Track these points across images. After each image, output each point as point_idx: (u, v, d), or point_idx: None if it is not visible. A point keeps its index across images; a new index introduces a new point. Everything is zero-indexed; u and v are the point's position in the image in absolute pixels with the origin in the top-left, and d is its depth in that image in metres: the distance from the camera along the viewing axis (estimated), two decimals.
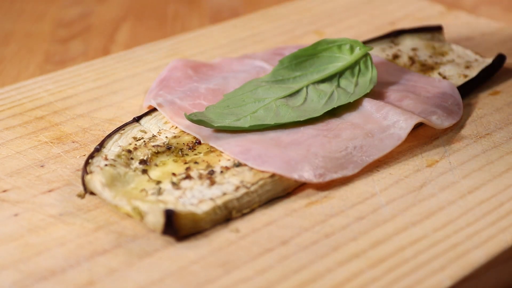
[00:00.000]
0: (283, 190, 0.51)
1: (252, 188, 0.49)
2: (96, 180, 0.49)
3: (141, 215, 0.47)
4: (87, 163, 0.51)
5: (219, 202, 0.48)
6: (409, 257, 0.45)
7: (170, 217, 0.46)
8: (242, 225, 0.48)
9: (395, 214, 0.49)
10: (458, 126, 0.59)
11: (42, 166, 0.54)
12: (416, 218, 0.48)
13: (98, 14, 0.95)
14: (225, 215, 0.48)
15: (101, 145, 0.53)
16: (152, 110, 0.59)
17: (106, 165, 0.51)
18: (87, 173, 0.50)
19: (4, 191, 0.51)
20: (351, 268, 0.44)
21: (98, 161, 0.51)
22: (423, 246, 0.46)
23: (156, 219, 0.46)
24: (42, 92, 0.64)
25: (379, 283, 0.43)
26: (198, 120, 0.55)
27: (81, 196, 0.50)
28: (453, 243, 0.46)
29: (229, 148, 0.53)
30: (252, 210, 0.49)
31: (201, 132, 0.55)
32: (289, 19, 0.80)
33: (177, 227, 0.46)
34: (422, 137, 0.57)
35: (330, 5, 0.84)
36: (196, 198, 0.48)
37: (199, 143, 0.54)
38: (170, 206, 0.47)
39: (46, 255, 0.45)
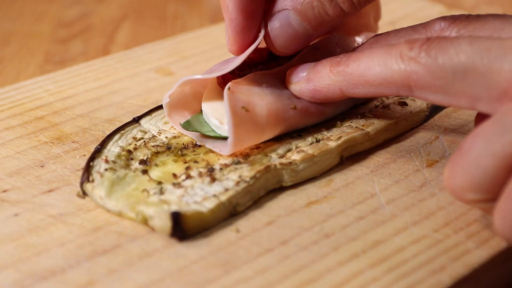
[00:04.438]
0: (277, 182, 0.51)
1: (251, 182, 0.49)
2: (95, 195, 0.49)
3: (145, 219, 0.47)
4: (87, 165, 0.51)
5: (223, 198, 0.48)
6: (409, 257, 0.45)
7: (177, 219, 0.46)
8: (242, 225, 0.48)
9: (395, 214, 0.49)
10: (458, 126, 0.59)
11: (42, 166, 0.54)
12: (416, 218, 0.48)
13: (98, 14, 0.95)
14: (230, 211, 0.48)
15: (102, 145, 0.53)
16: (152, 110, 0.58)
17: (106, 169, 0.50)
18: (88, 181, 0.50)
19: (4, 191, 0.51)
20: (351, 268, 0.44)
21: (99, 163, 0.51)
22: (423, 246, 0.46)
23: (163, 223, 0.46)
24: (42, 92, 0.64)
25: (379, 283, 0.43)
26: (192, 129, 0.54)
27: (81, 196, 0.50)
28: (453, 243, 0.46)
29: (226, 150, 0.53)
30: (254, 202, 0.49)
31: (198, 134, 0.54)
32: None
33: (185, 228, 0.46)
34: (422, 137, 0.57)
35: None
36: (199, 196, 0.48)
37: None
38: (174, 207, 0.47)
39: (46, 255, 0.45)
